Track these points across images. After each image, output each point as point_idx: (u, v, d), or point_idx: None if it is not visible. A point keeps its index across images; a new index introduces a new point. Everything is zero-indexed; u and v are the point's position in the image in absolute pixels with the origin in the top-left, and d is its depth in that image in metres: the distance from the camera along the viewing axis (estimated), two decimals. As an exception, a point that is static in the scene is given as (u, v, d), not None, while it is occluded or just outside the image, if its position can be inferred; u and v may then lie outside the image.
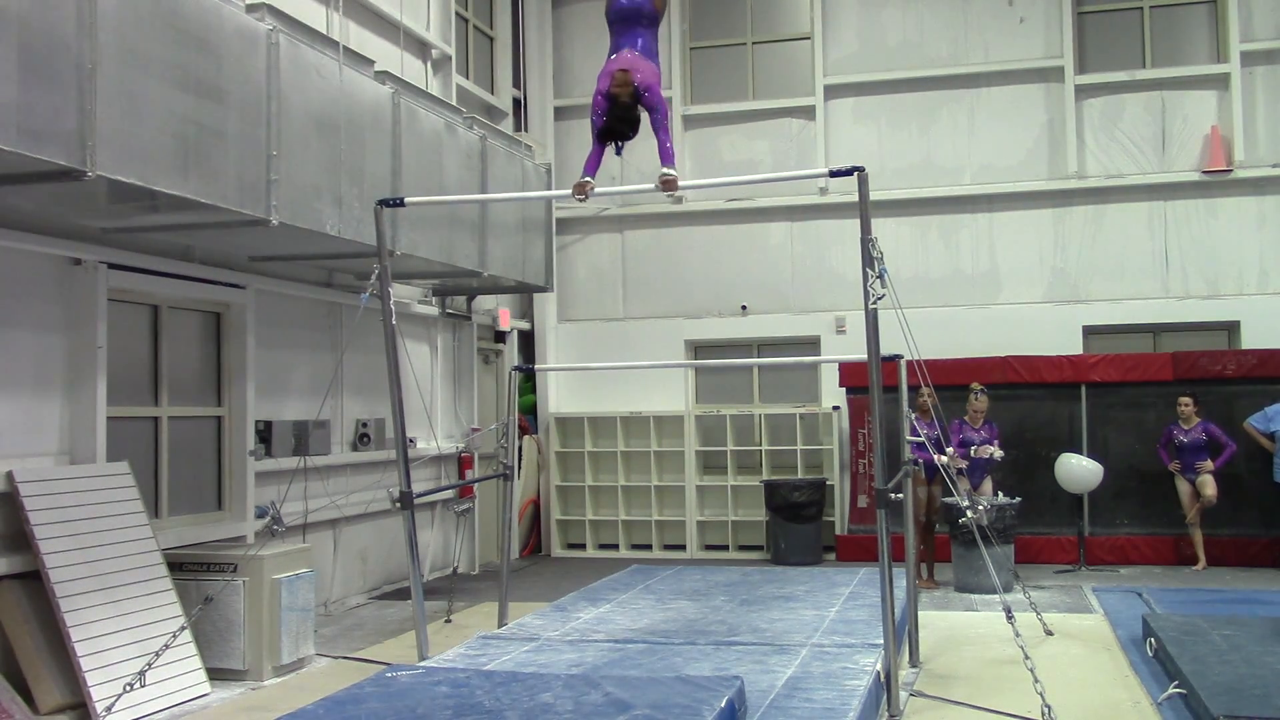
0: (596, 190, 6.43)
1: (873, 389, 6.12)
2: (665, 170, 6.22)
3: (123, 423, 7.58)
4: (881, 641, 6.26)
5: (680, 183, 6.33)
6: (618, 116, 6.15)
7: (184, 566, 7.37)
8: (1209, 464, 11.08)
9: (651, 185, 6.37)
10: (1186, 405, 11.21)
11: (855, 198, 6.15)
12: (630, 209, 13.91)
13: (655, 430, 13.59)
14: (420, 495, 7.50)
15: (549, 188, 11.83)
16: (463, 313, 12.21)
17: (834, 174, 6.35)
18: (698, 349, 13.99)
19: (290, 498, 7.78)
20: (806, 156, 13.55)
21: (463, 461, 11.94)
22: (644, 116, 6.26)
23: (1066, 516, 11.69)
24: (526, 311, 14.10)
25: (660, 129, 6.22)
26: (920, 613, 8.05)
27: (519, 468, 13.08)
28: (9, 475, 6.45)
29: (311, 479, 9.21)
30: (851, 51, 13.64)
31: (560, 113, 14.19)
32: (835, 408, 13.03)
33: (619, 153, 6.40)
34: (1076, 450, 11.65)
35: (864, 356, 6.16)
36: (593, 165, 6.32)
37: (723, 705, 4.85)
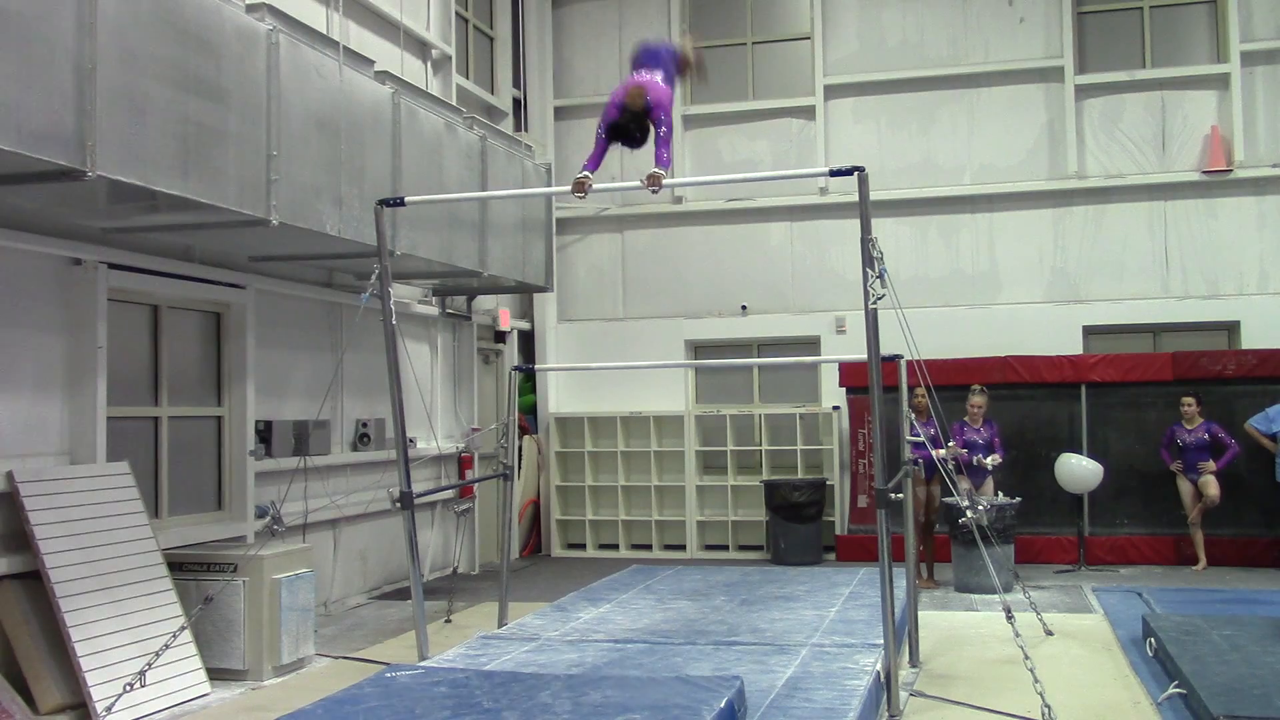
0: (595, 187, 6.53)
1: (873, 389, 6.13)
2: (655, 170, 6.37)
3: (123, 423, 7.59)
4: (881, 641, 6.26)
5: (682, 180, 6.48)
6: (629, 119, 6.46)
7: (184, 566, 7.37)
8: (1211, 464, 11.07)
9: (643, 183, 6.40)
10: (1190, 405, 11.20)
11: (855, 197, 6.16)
12: (630, 209, 13.91)
13: (655, 430, 13.59)
14: (420, 495, 7.50)
15: (549, 187, 11.83)
16: (463, 313, 12.21)
17: (834, 174, 6.36)
18: (698, 349, 13.99)
19: (290, 498, 7.78)
20: (806, 156, 13.55)
21: (463, 461, 11.94)
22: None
23: (1066, 516, 11.69)
24: (526, 311, 14.10)
25: (662, 143, 6.47)
26: (920, 613, 8.04)
27: (519, 468, 13.08)
28: (9, 475, 6.45)
29: (311, 479, 9.20)
30: (851, 51, 13.64)
31: (560, 113, 14.20)
32: (835, 408, 13.03)
33: (626, 144, 6.64)
34: (1076, 450, 11.65)
35: (864, 356, 6.17)
36: (594, 161, 6.52)
37: (722, 705, 4.85)
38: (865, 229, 6.01)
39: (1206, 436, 11.16)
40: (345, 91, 7.99)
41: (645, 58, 6.89)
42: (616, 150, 6.62)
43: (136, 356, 7.92)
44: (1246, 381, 11.70)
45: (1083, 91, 13.00)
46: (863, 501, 12.51)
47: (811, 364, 13.25)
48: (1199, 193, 12.72)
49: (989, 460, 10.55)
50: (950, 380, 11.02)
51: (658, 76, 6.68)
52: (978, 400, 10.87)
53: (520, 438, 13.02)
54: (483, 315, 12.78)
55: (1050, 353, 12.31)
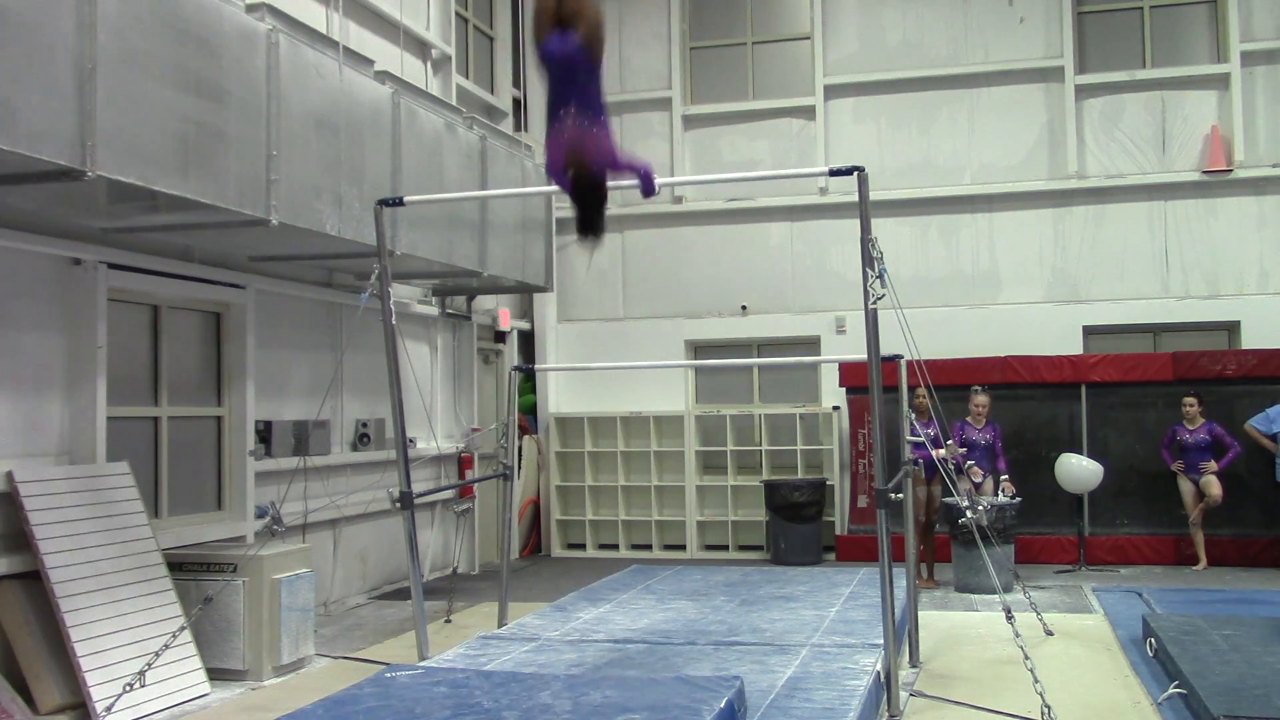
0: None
1: (873, 389, 6.12)
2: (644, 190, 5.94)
3: (123, 423, 7.58)
4: (881, 641, 6.26)
5: (681, 179, 6.20)
6: (588, 206, 5.49)
7: (184, 566, 7.37)
8: (1213, 464, 11.06)
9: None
10: (1191, 406, 11.20)
11: (855, 197, 6.15)
12: (630, 209, 13.89)
13: (655, 430, 13.59)
14: (420, 495, 7.50)
15: (549, 186, 11.81)
16: (463, 313, 12.21)
17: (834, 173, 6.36)
18: (698, 349, 13.99)
19: (290, 498, 7.77)
20: (806, 156, 13.55)
21: (463, 461, 11.94)
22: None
23: (1066, 516, 11.69)
24: (526, 311, 14.10)
25: (640, 176, 5.70)
26: (920, 613, 8.04)
27: (519, 468, 13.08)
28: (9, 475, 6.45)
29: (311, 479, 9.20)
30: (851, 51, 13.64)
31: (560, 113, 14.16)
32: (835, 408, 13.03)
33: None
34: (1076, 450, 11.65)
35: (864, 356, 6.17)
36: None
37: (722, 705, 4.84)
38: (865, 229, 6.01)
39: (1208, 437, 11.15)
40: (345, 91, 7.99)
41: (555, 83, 5.43)
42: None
43: (136, 356, 7.91)
44: (1247, 381, 11.70)
45: (1083, 91, 12.99)
46: (863, 501, 12.51)
47: (811, 364, 13.25)
48: (1199, 193, 12.72)
49: (1000, 496, 10.42)
50: (950, 380, 11.02)
51: (578, 102, 5.41)
52: (982, 400, 10.84)
53: (520, 438, 13.02)
54: (483, 315, 12.78)
55: (1050, 353, 12.31)
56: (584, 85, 5.48)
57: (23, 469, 6.57)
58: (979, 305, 13.10)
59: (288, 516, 7.80)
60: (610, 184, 5.56)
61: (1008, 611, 6.52)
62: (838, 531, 12.73)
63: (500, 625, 8.08)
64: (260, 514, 8.42)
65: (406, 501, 7.00)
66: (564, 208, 13.53)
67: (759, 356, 13.77)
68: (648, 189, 5.73)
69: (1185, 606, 8.74)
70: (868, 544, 11.47)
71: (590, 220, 5.54)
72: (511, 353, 13.55)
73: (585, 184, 5.39)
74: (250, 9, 7.15)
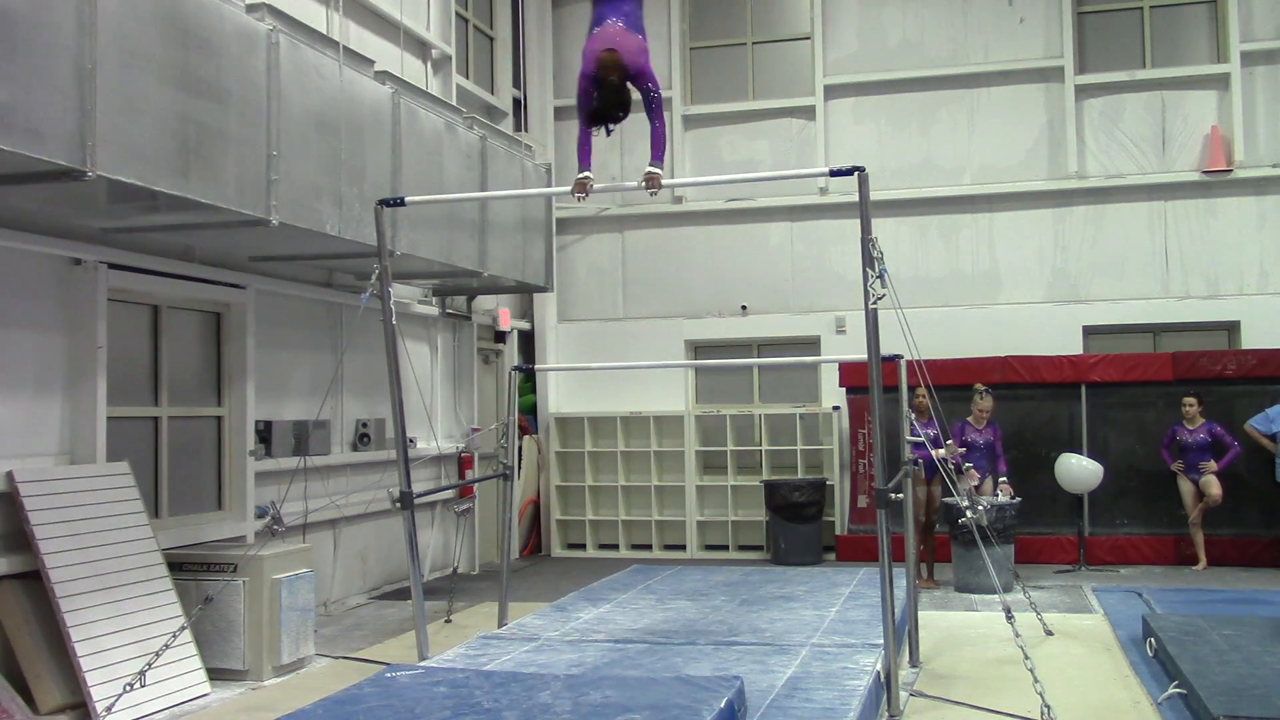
0: (595, 187, 6.41)
1: (873, 389, 6.13)
2: (651, 168, 6.20)
3: (123, 423, 7.58)
4: (881, 641, 6.27)
5: (682, 180, 6.33)
6: (607, 100, 5.98)
7: (184, 566, 7.37)
8: (1213, 464, 11.07)
9: (640, 184, 6.33)
10: (1191, 405, 11.20)
11: (855, 198, 6.16)
12: (630, 209, 13.90)
13: (655, 430, 13.59)
14: (420, 495, 7.50)
15: (549, 187, 11.83)
16: (463, 313, 12.21)
17: (834, 174, 6.36)
18: (698, 349, 13.99)
19: (290, 498, 7.77)
20: (806, 156, 13.55)
21: (463, 461, 11.94)
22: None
23: (1066, 516, 11.69)
24: (526, 311, 14.11)
25: (655, 115, 6.09)
26: (920, 613, 8.04)
27: (519, 468, 13.08)
28: (9, 475, 6.45)
29: (311, 479, 9.20)
30: (851, 51, 13.64)
31: (560, 113, 14.17)
32: (835, 408, 13.03)
33: (609, 133, 6.24)
34: (1076, 450, 11.65)
35: (864, 356, 6.17)
36: (586, 155, 6.27)
37: (722, 705, 4.85)
38: (865, 229, 6.02)
39: (1207, 437, 11.15)
40: (345, 91, 7.99)
41: (600, 5, 6.11)
42: (617, 150, 6.41)
43: (136, 356, 7.92)
44: (1246, 381, 11.71)
45: (1083, 91, 13.00)
46: (863, 501, 12.52)
47: (811, 364, 13.26)
48: (1199, 193, 12.72)
49: (999, 497, 10.42)
50: (950, 380, 11.02)
51: (621, 18, 6.01)
52: (987, 404, 10.82)
53: (520, 438, 13.02)
54: (483, 315, 12.78)
55: (1050, 353, 12.31)
56: (628, 6, 6.09)
57: (23, 469, 6.57)
58: (979, 305, 13.10)
59: (288, 516, 7.80)
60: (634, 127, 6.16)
61: (1008, 611, 6.52)
62: (838, 531, 12.73)
63: (500, 625, 8.08)
64: (260, 514, 8.43)
65: (406, 501, 7.01)
66: (564, 208, 13.62)
67: (759, 356, 13.77)
68: (656, 116, 6.12)
69: (1185, 606, 8.74)
70: (868, 544, 11.47)
71: (605, 113, 5.98)
72: (511, 353, 13.55)
73: (616, 69, 5.88)
74: (250, 9, 7.14)
